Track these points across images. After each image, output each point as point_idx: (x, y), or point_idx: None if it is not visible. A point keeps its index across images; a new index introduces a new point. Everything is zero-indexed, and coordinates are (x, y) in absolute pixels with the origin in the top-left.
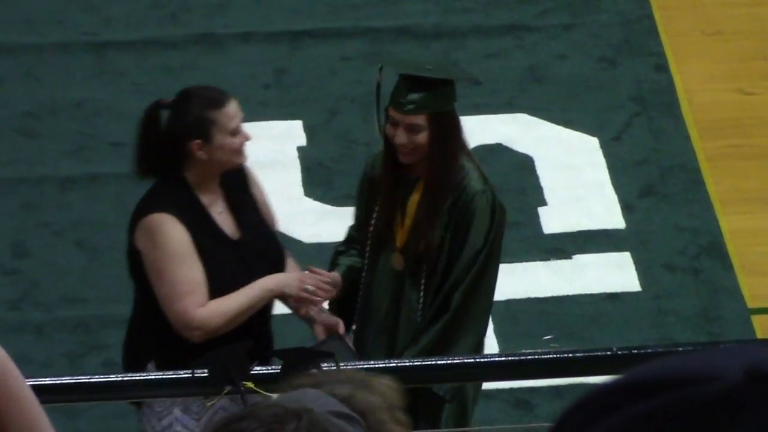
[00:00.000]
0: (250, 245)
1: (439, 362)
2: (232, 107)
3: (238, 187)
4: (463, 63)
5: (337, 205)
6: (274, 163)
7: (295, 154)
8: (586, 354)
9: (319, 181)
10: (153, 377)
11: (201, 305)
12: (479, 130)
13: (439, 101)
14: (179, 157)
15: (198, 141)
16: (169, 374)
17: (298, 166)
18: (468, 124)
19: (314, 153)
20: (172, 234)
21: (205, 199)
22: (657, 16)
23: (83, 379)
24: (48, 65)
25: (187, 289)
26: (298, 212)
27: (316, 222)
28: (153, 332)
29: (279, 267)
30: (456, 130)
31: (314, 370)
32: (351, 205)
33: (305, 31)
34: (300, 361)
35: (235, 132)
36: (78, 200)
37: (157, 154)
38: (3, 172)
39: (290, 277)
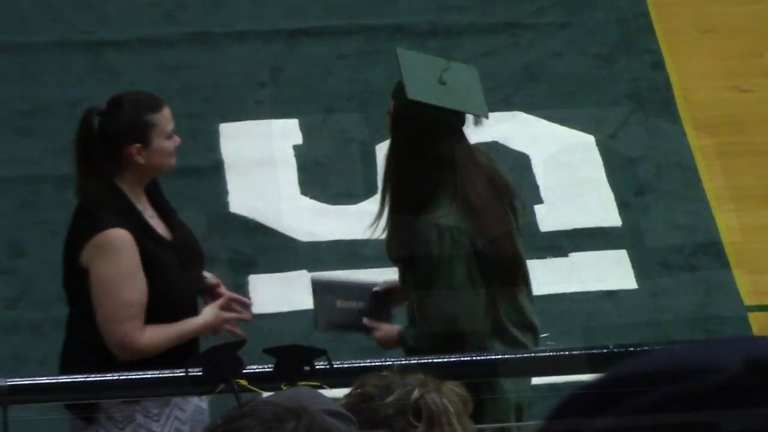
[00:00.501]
0: (184, 246)
1: (434, 360)
2: (167, 111)
3: (155, 190)
4: (459, 61)
5: (333, 204)
6: (270, 162)
7: (291, 152)
8: (583, 351)
9: (315, 180)
10: (149, 376)
11: (141, 329)
12: (475, 128)
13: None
14: (114, 163)
15: (137, 145)
16: (165, 373)
17: (294, 165)
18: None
19: (310, 151)
20: (125, 252)
21: (139, 205)
22: (653, 13)
23: (78, 378)
24: (44, 64)
25: (132, 312)
26: (294, 211)
27: (312, 220)
28: (92, 352)
29: (204, 266)
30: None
31: (384, 372)
32: (347, 203)
33: (301, 30)
34: (293, 359)
35: (170, 135)
36: (74, 199)
37: (95, 163)
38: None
39: (215, 314)
